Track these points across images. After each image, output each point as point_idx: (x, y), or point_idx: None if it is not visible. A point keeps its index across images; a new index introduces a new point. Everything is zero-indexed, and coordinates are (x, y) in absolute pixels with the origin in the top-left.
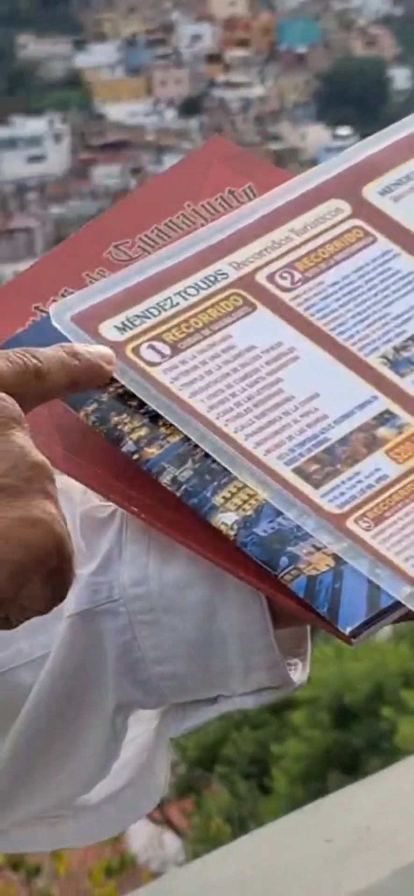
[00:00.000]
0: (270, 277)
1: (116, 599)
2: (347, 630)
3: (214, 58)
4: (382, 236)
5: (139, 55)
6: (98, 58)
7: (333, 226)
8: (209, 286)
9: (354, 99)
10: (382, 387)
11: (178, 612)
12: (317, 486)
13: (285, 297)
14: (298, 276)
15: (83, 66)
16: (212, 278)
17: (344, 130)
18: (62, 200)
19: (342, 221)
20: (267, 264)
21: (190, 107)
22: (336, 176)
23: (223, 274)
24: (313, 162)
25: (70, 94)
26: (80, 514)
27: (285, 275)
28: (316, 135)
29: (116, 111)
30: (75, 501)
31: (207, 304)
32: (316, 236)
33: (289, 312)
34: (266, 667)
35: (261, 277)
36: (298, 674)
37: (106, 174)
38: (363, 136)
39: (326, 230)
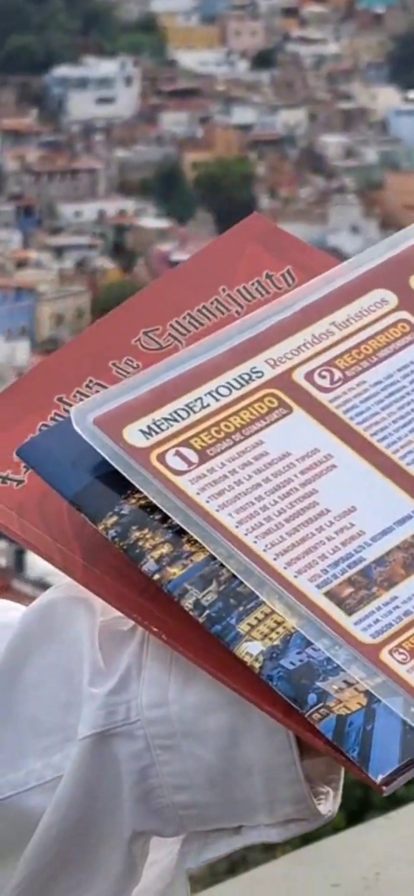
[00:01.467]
0: (309, 376)
1: (134, 721)
2: (379, 778)
3: (290, 11)
4: None
5: (215, 4)
6: (174, 3)
7: (378, 319)
8: (243, 385)
9: None
10: None
11: (199, 737)
12: (350, 612)
13: (324, 397)
14: (338, 374)
15: (158, 10)
16: (246, 377)
17: None
18: (128, 144)
19: (387, 314)
20: (305, 361)
21: (263, 59)
22: (382, 263)
23: (258, 372)
24: (382, 123)
25: (143, 38)
26: (101, 625)
27: (325, 373)
28: (387, 97)
29: (188, 58)
30: (96, 610)
31: (240, 405)
32: (359, 330)
33: (327, 415)
34: (293, 801)
35: (298, 376)
36: (329, 804)
37: (174, 121)
38: None
39: (370, 324)
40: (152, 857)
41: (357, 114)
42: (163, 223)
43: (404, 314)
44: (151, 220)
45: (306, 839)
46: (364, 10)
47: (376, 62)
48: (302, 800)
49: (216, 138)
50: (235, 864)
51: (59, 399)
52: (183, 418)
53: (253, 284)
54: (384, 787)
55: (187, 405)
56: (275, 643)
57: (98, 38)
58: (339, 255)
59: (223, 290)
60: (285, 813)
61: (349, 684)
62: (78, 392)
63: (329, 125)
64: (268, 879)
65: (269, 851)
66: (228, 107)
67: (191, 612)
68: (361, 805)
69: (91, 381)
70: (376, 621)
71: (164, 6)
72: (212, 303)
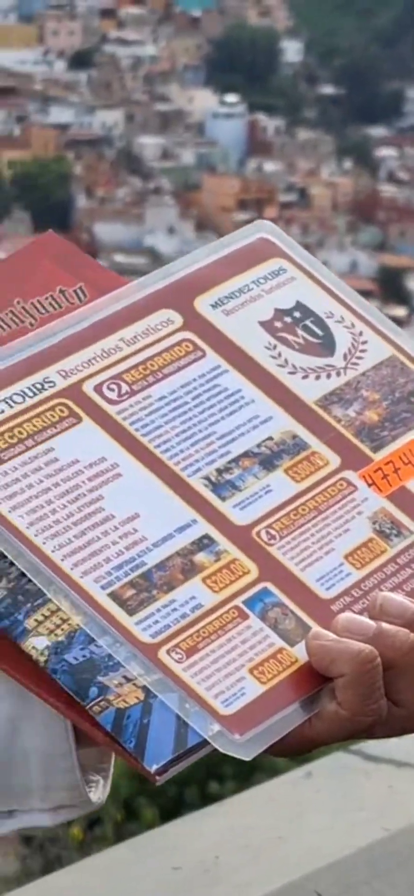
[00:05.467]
0: (98, 388)
1: None
2: (153, 768)
3: (107, 13)
4: (211, 351)
5: (33, 3)
6: None
7: (163, 337)
8: (35, 394)
9: (244, 67)
10: (202, 510)
11: None
12: (132, 612)
13: (111, 409)
14: (125, 388)
15: None
16: (39, 386)
17: (231, 97)
18: None
19: (172, 333)
20: (95, 374)
21: (80, 60)
22: (169, 285)
23: (50, 382)
24: (199, 126)
25: None
26: None
27: (113, 386)
28: (203, 99)
29: (6, 57)
30: None
31: (33, 413)
32: (146, 347)
33: (114, 426)
34: (67, 787)
35: (88, 388)
36: (99, 792)
37: None
38: (250, 105)
39: (156, 341)
40: None
41: (174, 116)
42: None
43: (188, 334)
44: None
45: (149, 826)
46: (181, 13)
47: (193, 65)
48: (75, 787)
49: (33, 137)
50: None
51: None
52: None
53: (46, 298)
54: (158, 777)
55: None
56: (60, 639)
57: None
58: (155, 255)
59: (18, 302)
60: (59, 799)
61: (128, 680)
62: None
63: (146, 126)
64: (109, 865)
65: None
66: (46, 106)
67: None
68: (175, 803)
69: None
70: (156, 622)
71: None
72: (6, 314)
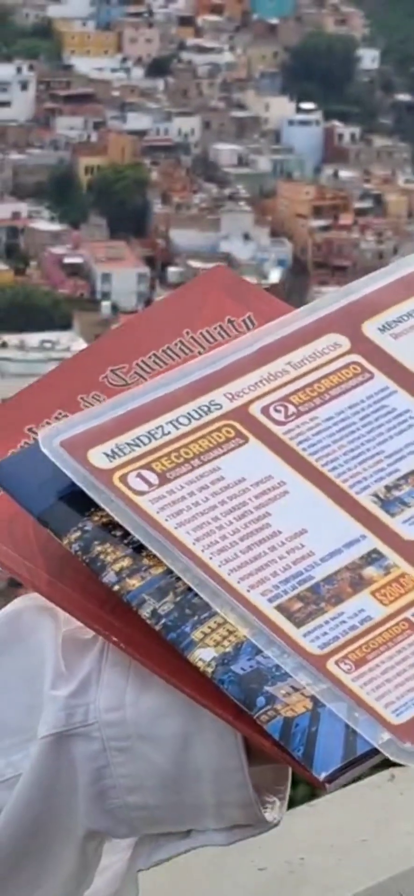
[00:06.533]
0: (265, 410)
1: (91, 724)
2: (322, 776)
3: (186, 20)
4: (379, 373)
5: (112, 11)
6: (70, 10)
7: (331, 360)
8: (202, 416)
9: (321, 75)
10: (371, 526)
11: (152, 741)
12: (299, 624)
13: (278, 430)
14: (292, 409)
15: (55, 16)
16: (205, 408)
17: (307, 105)
18: (23, 148)
19: (340, 356)
20: (262, 396)
21: (158, 67)
22: (337, 310)
23: (217, 405)
24: (275, 133)
25: (40, 44)
26: (64, 633)
27: (280, 408)
28: (280, 106)
29: (84, 64)
30: (59, 619)
31: (199, 434)
32: (313, 370)
33: (281, 446)
34: (239, 805)
35: (255, 410)
36: (275, 812)
37: (68, 125)
38: (326, 112)
39: (323, 364)
40: (104, 863)
41: (250, 122)
42: (56, 226)
43: (356, 357)
44: (45, 224)
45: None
46: (259, 20)
47: (270, 72)
48: (248, 804)
49: (110, 143)
50: None
51: (29, 430)
52: (145, 444)
53: (215, 328)
54: (327, 784)
55: (149, 432)
56: (227, 650)
57: None
58: (230, 261)
59: (187, 332)
60: (232, 817)
61: (296, 689)
62: (47, 423)
63: (222, 133)
64: (196, 864)
65: None
66: (123, 112)
67: (148, 621)
68: None
69: (60, 413)
70: (324, 634)
71: (61, 12)
72: (176, 344)
